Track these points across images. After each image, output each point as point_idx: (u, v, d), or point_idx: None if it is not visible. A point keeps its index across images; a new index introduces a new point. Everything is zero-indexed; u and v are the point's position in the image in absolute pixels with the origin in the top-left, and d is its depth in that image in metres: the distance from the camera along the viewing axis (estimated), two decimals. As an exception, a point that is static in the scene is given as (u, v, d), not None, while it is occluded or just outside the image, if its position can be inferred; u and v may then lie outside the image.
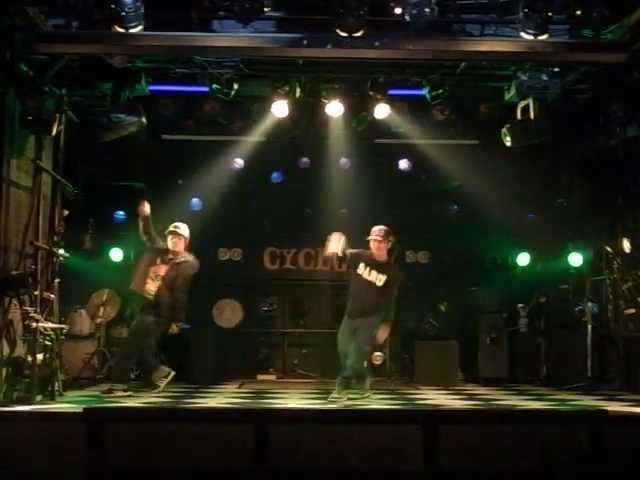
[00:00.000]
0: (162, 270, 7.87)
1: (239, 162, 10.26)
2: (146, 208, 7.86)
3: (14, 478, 5.31)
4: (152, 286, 7.82)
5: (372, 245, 7.67)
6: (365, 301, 7.52)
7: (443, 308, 10.64)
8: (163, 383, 7.90)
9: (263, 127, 9.35)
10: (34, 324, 6.66)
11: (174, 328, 7.91)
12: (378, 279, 7.53)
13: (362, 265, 7.61)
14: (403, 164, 10.61)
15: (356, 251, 7.74)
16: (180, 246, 8.02)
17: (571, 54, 7.11)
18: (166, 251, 7.99)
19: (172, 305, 7.81)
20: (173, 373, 8.00)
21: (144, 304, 7.85)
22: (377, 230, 7.69)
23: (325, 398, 7.65)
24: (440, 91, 8.41)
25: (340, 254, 7.62)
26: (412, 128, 9.41)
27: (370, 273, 7.57)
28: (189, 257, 8.12)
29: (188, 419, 5.68)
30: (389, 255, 7.75)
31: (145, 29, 6.59)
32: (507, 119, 8.53)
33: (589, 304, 8.94)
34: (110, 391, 7.55)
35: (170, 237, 7.99)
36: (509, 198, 10.02)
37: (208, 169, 10.29)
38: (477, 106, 9.04)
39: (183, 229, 8.11)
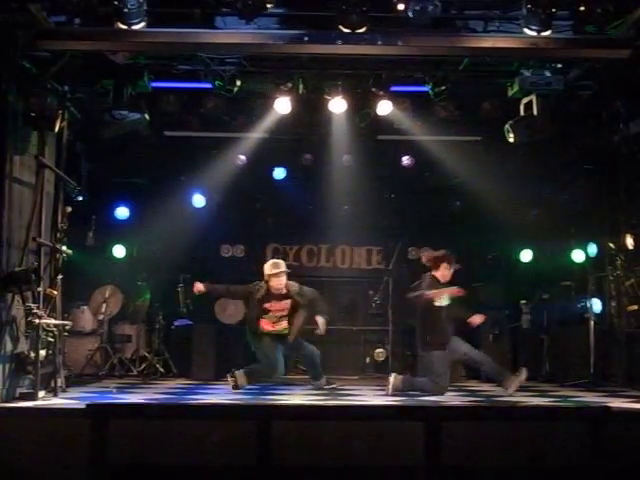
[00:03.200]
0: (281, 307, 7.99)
1: (242, 158, 10.26)
2: (199, 287, 8.03)
3: (17, 474, 5.33)
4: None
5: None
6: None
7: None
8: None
9: (266, 124, 9.35)
10: (37, 320, 6.68)
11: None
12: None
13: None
14: (406, 160, 10.59)
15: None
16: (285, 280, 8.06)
17: (575, 50, 7.10)
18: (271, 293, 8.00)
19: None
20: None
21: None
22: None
23: (327, 394, 7.67)
24: (443, 87, 8.40)
25: None
26: (415, 125, 9.39)
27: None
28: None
29: (191, 415, 5.68)
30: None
31: (147, 26, 6.59)
32: (510, 115, 8.51)
33: (592, 300, 8.93)
34: None
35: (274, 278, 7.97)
36: (512, 194, 10.02)
37: (211, 166, 10.31)
38: (480, 102, 9.02)
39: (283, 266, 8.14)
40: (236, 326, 9.89)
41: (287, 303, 7.94)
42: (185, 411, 5.94)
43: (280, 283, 7.92)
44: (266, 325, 7.88)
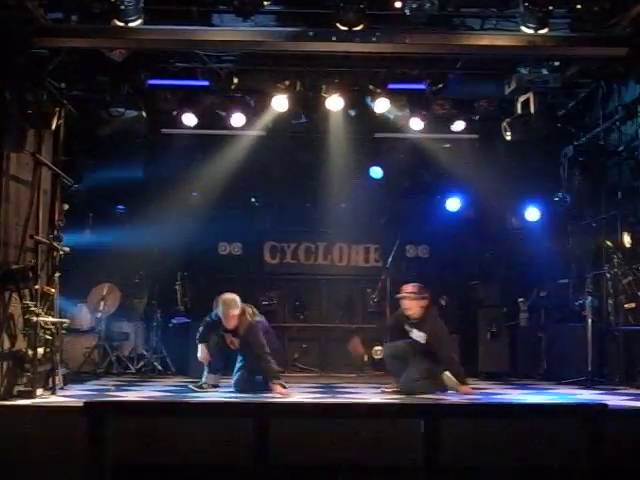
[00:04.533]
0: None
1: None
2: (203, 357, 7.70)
3: (15, 471, 5.33)
4: None
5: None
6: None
7: (443, 302, 10.64)
8: None
9: (263, 121, 9.34)
10: (35, 318, 6.66)
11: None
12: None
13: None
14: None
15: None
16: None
17: (572, 48, 7.10)
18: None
19: None
20: None
21: None
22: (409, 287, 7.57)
23: (326, 392, 7.67)
24: (440, 85, 8.41)
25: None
26: (412, 122, 9.39)
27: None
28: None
29: (188, 413, 5.68)
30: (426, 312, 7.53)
31: (144, 23, 6.57)
32: (507, 113, 8.52)
33: (589, 298, 8.94)
34: None
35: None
36: (509, 192, 10.03)
37: (207, 163, 10.29)
38: (477, 100, 9.02)
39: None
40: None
41: (236, 341, 7.56)
42: (183, 409, 5.93)
43: (229, 322, 7.51)
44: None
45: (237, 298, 7.55)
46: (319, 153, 10.39)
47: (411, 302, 7.45)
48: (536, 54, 7.41)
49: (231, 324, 7.47)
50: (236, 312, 7.47)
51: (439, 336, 7.39)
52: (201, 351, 7.66)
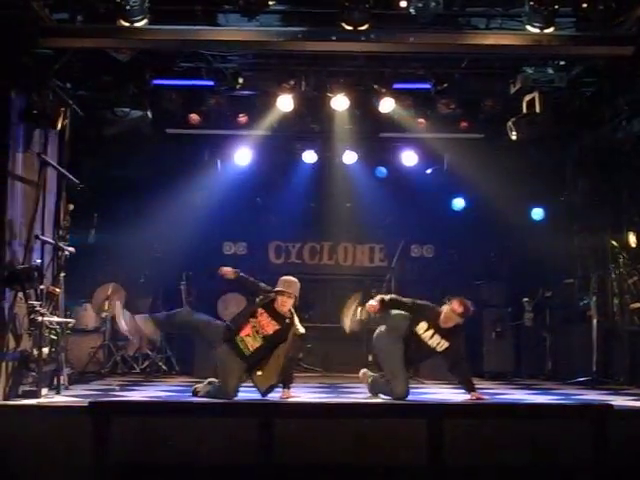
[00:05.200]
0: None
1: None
2: (228, 271, 7.31)
3: (20, 471, 5.34)
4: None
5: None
6: None
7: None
8: None
9: (268, 121, 9.34)
10: (40, 318, 6.68)
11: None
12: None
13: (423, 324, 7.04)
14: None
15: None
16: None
17: (577, 47, 7.08)
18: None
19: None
20: None
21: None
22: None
23: (330, 392, 7.66)
24: (445, 85, 8.39)
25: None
26: (417, 122, 9.38)
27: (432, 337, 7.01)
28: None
29: (193, 413, 5.69)
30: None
31: (150, 23, 6.58)
32: (512, 113, 8.50)
33: (594, 298, 8.93)
34: None
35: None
36: (514, 192, 10.02)
37: (212, 163, 10.29)
38: (482, 100, 9.01)
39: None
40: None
41: (276, 326, 6.94)
42: (187, 409, 5.94)
43: (285, 303, 7.00)
44: (244, 331, 6.90)
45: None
46: (324, 153, 10.38)
47: (455, 319, 7.00)
48: (541, 53, 7.39)
49: (287, 305, 6.98)
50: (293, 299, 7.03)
51: (460, 349, 7.12)
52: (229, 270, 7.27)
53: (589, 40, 6.98)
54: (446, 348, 7.02)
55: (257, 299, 7.14)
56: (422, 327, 7.03)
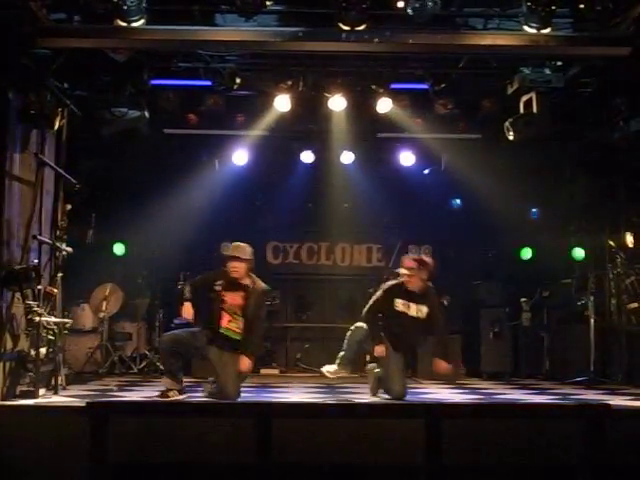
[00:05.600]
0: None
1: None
2: (189, 313, 6.80)
3: (17, 472, 5.33)
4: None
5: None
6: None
7: (445, 302, 10.63)
8: None
9: (265, 121, 9.34)
10: (37, 318, 6.67)
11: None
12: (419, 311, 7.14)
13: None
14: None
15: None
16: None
17: (574, 48, 7.08)
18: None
19: None
20: None
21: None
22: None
23: (328, 392, 7.67)
24: (443, 85, 8.40)
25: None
26: (415, 122, 9.39)
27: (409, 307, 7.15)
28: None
29: (191, 413, 5.69)
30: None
31: (147, 23, 6.58)
32: (510, 113, 8.51)
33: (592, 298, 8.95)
34: None
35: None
36: (512, 192, 10.03)
37: (210, 163, 10.29)
38: (480, 100, 9.02)
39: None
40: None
41: (242, 295, 6.70)
42: (185, 409, 5.94)
43: (235, 268, 6.71)
44: (223, 320, 6.69)
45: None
46: (321, 153, 10.39)
47: (413, 277, 7.15)
48: (539, 54, 7.39)
49: (238, 272, 6.72)
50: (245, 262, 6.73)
51: (439, 309, 7.28)
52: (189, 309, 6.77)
53: (586, 41, 6.99)
54: (428, 313, 7.14)
55: (216, 285, 6.80)
56: (399, 303, 7.14)
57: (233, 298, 6.75)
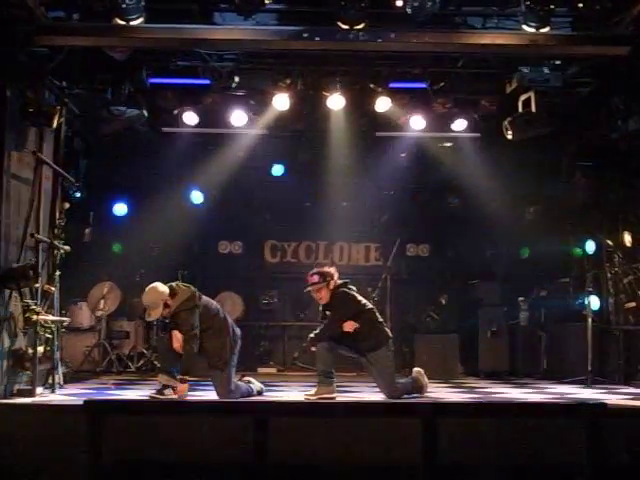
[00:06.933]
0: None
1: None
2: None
3: (15, 470, 5.33)
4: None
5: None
6: None
7: (443, 301, 10.65)
8: None
9: (264, 120, 9.33)
10: (35, 317, 6.67)
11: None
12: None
13: None
14: None
15: None
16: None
17: (573, 47, 7.10)
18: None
19: None
20: None
21: None
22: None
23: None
24: (441, 84, 8.40)
25: None
26: (413, 121, 9.38)
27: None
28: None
29: (188, 411, 5.69)
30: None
31: (146, 21, 6.57)
32: (508, 112, 8.51)
33: (589, 297, 8.94)
34: None
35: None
36: (510, 191, 10.03)
37: (208, 162, 10.29)
38: (478, 99, 9.02)
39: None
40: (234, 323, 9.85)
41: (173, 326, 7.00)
42: (182, 407, 5.94)
43: (150, 313, 7.00)
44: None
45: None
46: (320, 152, 10.38)
47: (318, 292, 7.20)
48: (537, 53, 7.39)
49: (151, 317, 7.05)
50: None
51: (336, 309, 7.20)
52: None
53: (585, 40, 7.00)
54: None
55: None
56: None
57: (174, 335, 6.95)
